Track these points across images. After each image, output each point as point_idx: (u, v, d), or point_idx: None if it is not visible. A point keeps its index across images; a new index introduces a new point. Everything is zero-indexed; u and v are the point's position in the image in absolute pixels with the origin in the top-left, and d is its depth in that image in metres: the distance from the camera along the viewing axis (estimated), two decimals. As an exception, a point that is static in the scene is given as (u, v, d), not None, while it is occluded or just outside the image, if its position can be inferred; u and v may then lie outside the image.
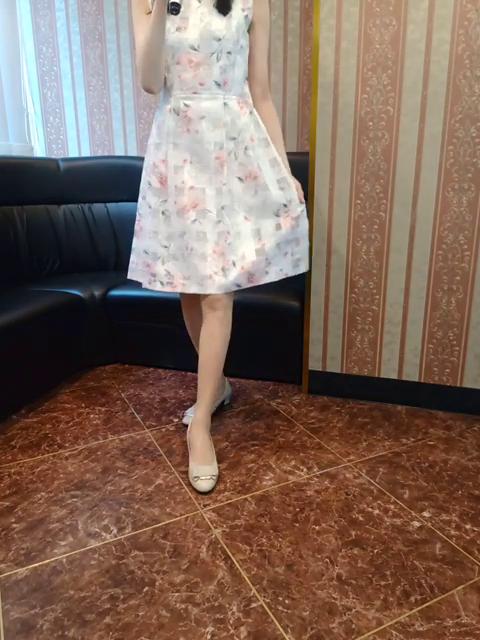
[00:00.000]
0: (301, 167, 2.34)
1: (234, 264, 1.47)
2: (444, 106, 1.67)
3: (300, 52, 2.57)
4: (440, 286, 1.83)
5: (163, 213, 1.51)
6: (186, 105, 1.44)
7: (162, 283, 1.54)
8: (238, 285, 1.48)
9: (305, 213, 1.59)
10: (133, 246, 1.64)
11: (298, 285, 2.21)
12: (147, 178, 1.55)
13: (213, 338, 1.52)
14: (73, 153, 2.98)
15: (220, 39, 1.39)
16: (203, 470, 1.47)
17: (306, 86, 2.61)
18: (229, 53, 1.41)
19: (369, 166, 1.80)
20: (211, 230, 1.46)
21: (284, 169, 1.55)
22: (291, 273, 1.60)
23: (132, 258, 1.64)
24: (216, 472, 1.50)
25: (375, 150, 1.78)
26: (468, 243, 1.76)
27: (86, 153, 2.97)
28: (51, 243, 2.61)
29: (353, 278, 1.93)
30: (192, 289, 1.49)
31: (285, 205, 1.53)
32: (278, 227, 1.52)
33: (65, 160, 2.68)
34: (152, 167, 1.52)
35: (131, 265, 1.65)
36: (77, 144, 2.97)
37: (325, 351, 2.03)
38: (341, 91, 1.77)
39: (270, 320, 2.10)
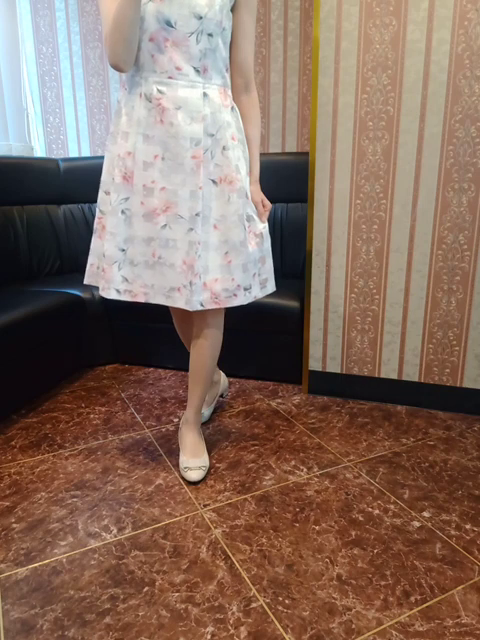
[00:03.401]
0: (301, 167, 2.35)
1: (200, 277, 1.33)
2: (444, 106, 1.67)
3: (300, 52, 2.57)
4: (440, 286, 1.83)
5: (123, 212, 1.34)
6: (160, 91, 1.27)
7: (118, 291, 1.37)
8: (202, 305, 1.35)
9: (267, 231, 1.47)
10: (92, 246, 1.46)
11: (298, 285, 2.21)
12: (111, 171, 1.37)
13: (203, 345, 1.48)
14: (73, 153, 2.98)
15: (202, 17, 1.23)
16: (193, 462, 1.50)
17: (306, 86, 2.61)
18: (210, 35, 1.26)
19: (369, 166, 1.80)
20: (182, 238, 1.32)
21: (248, 178, 1.42)
22: (260, 295, 1.47)
23: (90, 260, 1.47)
24: (206, 464, 1.52)
25: (375, 150, 1.78)
26: (468, 243, 1.76)
27: (86, 153, 2.97)
28: (51, 243, 2.61)
29: (353, 278, 1.93)
30: (156, 300, 1.36)
31: (250, 216, 1.41)
32: (243, 244, 1.37)
33: (65, 160, 2.68)
34: (117, 159, 1.34)
35: (89, 268, 1.47)
36: (77, 144, 2.96)
37: (325, 351, 2.03)
38: (341, 91, 1.77)
39: (270, 320, 2.10)
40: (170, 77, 1.27)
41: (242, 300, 1.40)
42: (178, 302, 1.35)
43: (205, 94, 1.30)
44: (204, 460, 1.53)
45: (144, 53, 1.26)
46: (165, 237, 1.33)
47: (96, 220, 1.44)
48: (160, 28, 1.23)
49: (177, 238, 1.32)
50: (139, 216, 1.33)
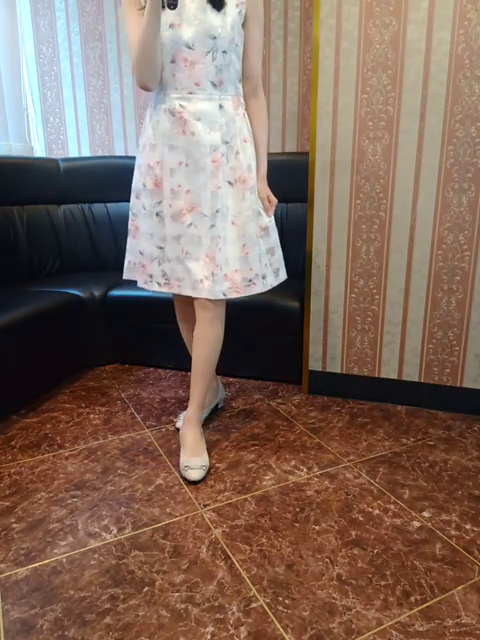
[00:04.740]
0: (301, 167, 2.35)
1: (221, 269, 1.47)
2: (444, 106, 1.67)
3: (300, 52, 2.57)
4: (440, 286, 1.83)
5: (157, 214, 1.51)
6: (182, 106, 1.41)
7: (159, 284, 1.55)
8: (225, 294, 1.48)
9: (273, 224, 1.60)
10: (128, 246, 1.63)
11: (298, 285, 2.21)
12: (141, 179, 1.53)
13: (204, 339, 1.54)
14: (73, 153, 2.98)
15: (216, 37, 1.36)
16: (194, 461, 1.50)
17: (306, 86, 2.61)
18: (225, 52, 1.39)
19: (369, 166, 1.80)
20: (205, 234, 1.45)
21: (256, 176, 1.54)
22: (275, 283, 1.62)
23: (128, 257, 1.64)
24: (207, 463, 1.53)
25: (375, 150, 1.78)
26: (468, 243, 1.76)
27: (86, 153, 2.97)
28: (51, 243, 2.61)
29: (353, 278, 1.93)
30: (186, 292, 1.49)
31: (258, 210, 1.53)
32: (258, 234, 1.52)
33: (65, 160, 2.68)
34: (146, 168, 1.50)
35: (127, 264, 1.65)
36: (77, 144, 2.96)
37: (325, 351, 2.03)
38: (341, 91, 1.77)
39: (270, 320, 2.10)
40: (190, 93, 1.41)
41: (260, 288, 1.54)
42: (202, 293, 1.47)
43: (221, 106, 1.44)
44: (204, 459, 1.53)
45: (167, 73, 1.41)
46: (191, 234, 1.46)
47: (130, 222, 1.61)
48: (179, 50, 1.37)
49: (201, 234, 1.46)
50: (169, 217, 1.47)
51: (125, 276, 1.65)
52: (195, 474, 1.48)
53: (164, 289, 1.55)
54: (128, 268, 1.65)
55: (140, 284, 1.60)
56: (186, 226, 1.46)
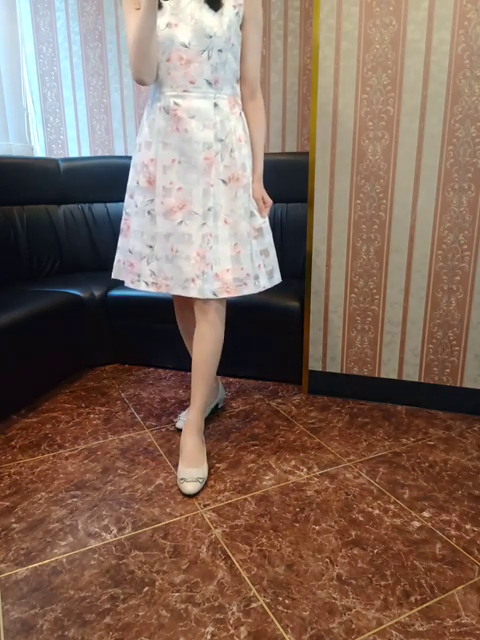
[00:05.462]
0: (301, 167, 2.35)
1: (211, 268, 1.45)
2: (444, 106, 1.67)
3: (300, 52, 2.57)
4: (440, 286, 1.83)
5: (149, 213, 1.50)
6: (176, 103, 1.41)
7: (147, 283, 1.53)
8: (215, 294, 1.45)
9: (268, 225, 1.58)
10: (119, 245, 1.62)
11: (298, 285, 2.21)
12: (136, 177, 1.53)
13: (204, 341, 1.52)
14: (73, 153, 2.98)
15: (211, 36, 1.37)
16: (189, 473, 1.47)
17: (306, 86, 2.61)
18: (220, 51, 1.39)
19: (369, 166, 1.80)
20: (196, 232, 1.44)
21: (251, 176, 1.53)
22: (268, 285, 1.59)
23: (117, 256, 1.63)
24: (204, 475, 1.49)
25: (375, 150, 1.78)
26: (468, 243, 1.76)
27: (86, 153, 2.97)
28: (51, 243, 2.61)
29: (353, 278, 1.93)
30: (175, 291, 1.47)
31: (251, 211, 1.52)
32: (250, 234, 1.50)
33: (65, 160, 2.68)
34: (141, 166, 1.50)
35: (116, 263, 1.63)
36: (77, 144, 2.97)
37: (325, 351, 2.03)
38: (341, 91, 1.77)
39: (270, 320, 2.10)
40: (185, 91, 1.41)
41: (252, 289, 1.51)
42: (192, 292, 1.46)
43: (216, 104, 1.43)
44: (202, 471, 1.49)
45: (162, 71, 1.42)
46: (181, 232, 1.45)
47: (122, 221, 1.60)
48: (176, 49, 1.38)
49: (192, 232, 1.44)
50: (160, 215, 1.46)
51: (114, 275, 1.64)
52: (190, 487, 1.44)
53: (151, 289, 1.52)
54: (117, 267, 1.63)
55: (127, 283, 1.58)
56: (177, 224, 1.44)
